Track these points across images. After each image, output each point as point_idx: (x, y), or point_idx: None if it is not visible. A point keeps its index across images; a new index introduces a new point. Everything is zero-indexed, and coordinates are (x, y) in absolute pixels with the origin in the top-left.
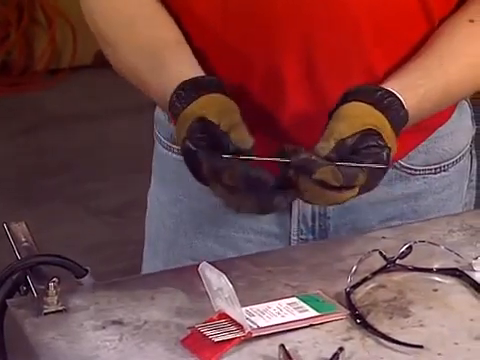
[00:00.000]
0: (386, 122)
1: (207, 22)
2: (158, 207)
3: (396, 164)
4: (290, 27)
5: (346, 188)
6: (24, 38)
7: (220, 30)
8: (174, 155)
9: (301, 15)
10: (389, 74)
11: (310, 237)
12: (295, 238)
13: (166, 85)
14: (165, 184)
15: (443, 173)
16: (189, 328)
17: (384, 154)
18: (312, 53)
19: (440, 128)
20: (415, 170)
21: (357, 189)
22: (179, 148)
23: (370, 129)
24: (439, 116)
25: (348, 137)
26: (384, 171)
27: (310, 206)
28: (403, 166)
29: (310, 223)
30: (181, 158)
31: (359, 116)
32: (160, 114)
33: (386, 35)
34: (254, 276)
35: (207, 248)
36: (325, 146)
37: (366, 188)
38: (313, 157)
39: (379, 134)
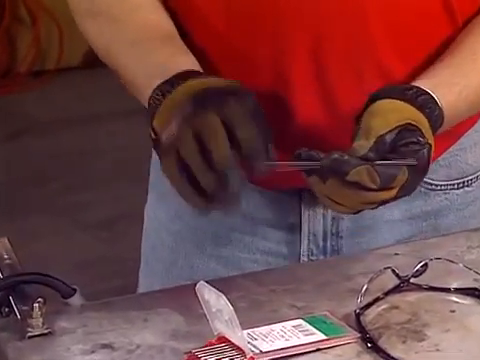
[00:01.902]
0: (424, 118)
1: (209, 19)
2: (156, 223)
3: None
4: (297, 27)
5: (384, 190)
6: (6, 37)
7: (223, 29)
8: None
9: (308, 14)
10: (409, 78)
11: (321, 258)
12: (305, 259)
13: (171, 59)
14: (163, 198)
15: (466, 188)
16: (186, 353)
17: (425, 151)
18: (321, 54)
19: (463, 140)
20: (435, 185)
21: (395, 191)
22: None
23: (409, 124)
24: (464, 121)
25: (386, 133)
26: (424, 171)
27: (321, 224)
28: (423, 181)
29: (321, 243)
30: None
31: (395, 110)
32: None
33: (402, 36)
34: (256, 296)
35: (209, 269)
36: (364, 144)
37: (404, 191)
38: (346, 157)
39: (419, 129)
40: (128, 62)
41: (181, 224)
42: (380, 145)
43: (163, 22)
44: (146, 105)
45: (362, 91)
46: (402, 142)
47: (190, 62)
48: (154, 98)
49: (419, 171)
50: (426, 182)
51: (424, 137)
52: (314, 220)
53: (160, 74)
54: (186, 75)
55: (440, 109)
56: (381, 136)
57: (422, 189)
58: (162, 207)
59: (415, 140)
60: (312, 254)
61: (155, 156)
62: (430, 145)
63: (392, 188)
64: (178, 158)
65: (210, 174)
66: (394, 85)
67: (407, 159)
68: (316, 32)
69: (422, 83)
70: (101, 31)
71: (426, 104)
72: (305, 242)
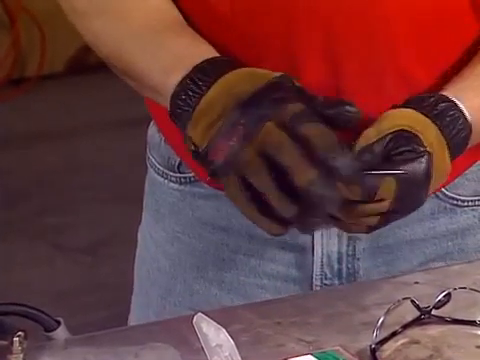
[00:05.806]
0: (430, 124)
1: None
2: (151, 245)
3: (439, 194)
4: (309, 27)
5: (371, 201)
6: None
7: (227, 11)
8: (171, 184)
9: (321, 9)
10: (432, 86)
11: (336, 282)
12: (318, 283)
13: (188, 49)
14: (160, 218)
15: None
16: None
17: (423, 160)
18: (336, 56)
19: None
20: (462, 201)
21: (386, 203)
22: (177, 176)
23: (403, 130)
24: None
25: (375, 142)
26: (423, 181)
27: (336, 245)
28: (448, 196)
29: (336, 266)
30: (180, 187)
31: (390, 117)
32: (155, 135)
33: (426, 38)
34: (260, 329)
35: (210, 296)
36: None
37: (402, 203)
38: None
39: (416, 136)
40: (140, 59)
41: (179, 246)
42: (365, 155)
43: (173, 11)
44: (165, 105)
45: (381, 98)
46: (396, 151)
47: (210, 50)
48: (180, 98)
49: (416, 181)
50: (452, 197)
51: (423, 145)
52: (328, 240)
53: (179, 67)
54: (213, 68)
55: (465, 117)
56: (368, 146)
57: (448, 205)
58: (158, 228)
59: (410, 148)
60: (326, 278)
61: (150, 175)
62: (430, 154)
63: (382, 199)
64: (242, 179)
65: (291, 200)
66: (415, 95)
67: (397, 169)
68: (330, 31)
69: (446, 89)
70: (108, 29)
71: (447, 112)
72: (318, 265)
